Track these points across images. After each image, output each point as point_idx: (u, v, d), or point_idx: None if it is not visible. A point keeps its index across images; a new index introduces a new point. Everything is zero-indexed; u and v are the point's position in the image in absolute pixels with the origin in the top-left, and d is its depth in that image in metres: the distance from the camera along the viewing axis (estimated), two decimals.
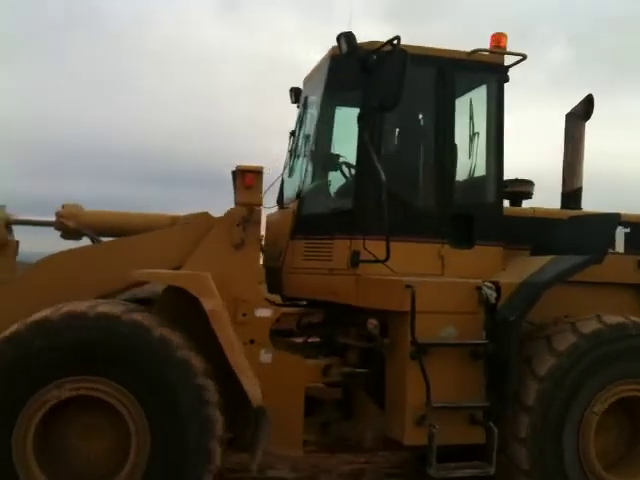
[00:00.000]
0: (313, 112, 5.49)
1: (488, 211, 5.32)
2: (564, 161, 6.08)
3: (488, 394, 4.70)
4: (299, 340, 5.75)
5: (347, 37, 4.85)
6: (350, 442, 5.39)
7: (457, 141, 5.40)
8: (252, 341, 4.86)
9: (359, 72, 4.97)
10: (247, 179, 4.42)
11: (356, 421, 5.41)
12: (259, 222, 4.98)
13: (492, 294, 4.76)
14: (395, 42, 4.69)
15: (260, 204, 4.64)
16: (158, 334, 4.03)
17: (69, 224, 5.14)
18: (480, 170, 5.48)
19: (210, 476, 4.06)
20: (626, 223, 5.67)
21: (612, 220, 5.16)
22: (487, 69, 5.36)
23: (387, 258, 4.72)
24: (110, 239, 5.17)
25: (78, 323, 3.99)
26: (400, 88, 4.61)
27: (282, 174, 5.68)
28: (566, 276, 4.86)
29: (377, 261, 4.78)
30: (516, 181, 6.16)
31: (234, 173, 4.53)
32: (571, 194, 6.03)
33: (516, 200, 6.15)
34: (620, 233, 5.69)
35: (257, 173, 4.44)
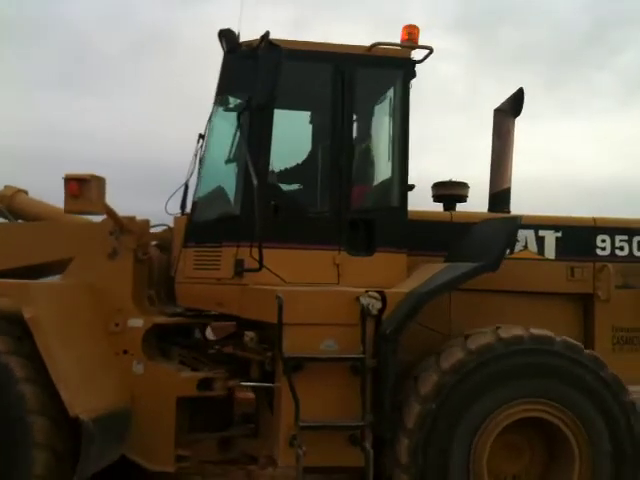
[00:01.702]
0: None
1: (390, 216, 4.96)
2: (492, 160, 5.64)
3: (366, 413, 4.35)
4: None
5: (225, 35, 4.66)
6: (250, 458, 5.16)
7: (363, 143, 5.10)
8: (125, 351, 4.74)
9: (248, 71, 4.75)
10: (70, 187, 4.29)
11: (259, 437, 5.18)
12: (134, 232, 4.84)
13: (374, 304, 4.41)
14: (267, 38, 4.47)
15: (90, 212, 4.50)
16: None
17: None
18: (384, 174, 5.13)
19: None
20: (557, 227, 5.21)
21: (512, 224, 4.71)
22: (391, 64, 5.02)
23: (260, 267, 4.50)
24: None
25: None
26: (272, 86, 4.38)
27: (187, 179, 5.50)
28: (452, 286, 4.48)
29: (253, 270, 4.55)
30: (449, 183, 5.78)
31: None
32: (499, 195, 5.58)
33: (449, 203, 5.75)
34: (551, 237, 5.24)
35: (81, 181, 4.30)
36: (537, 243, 5.19)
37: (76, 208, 4.36)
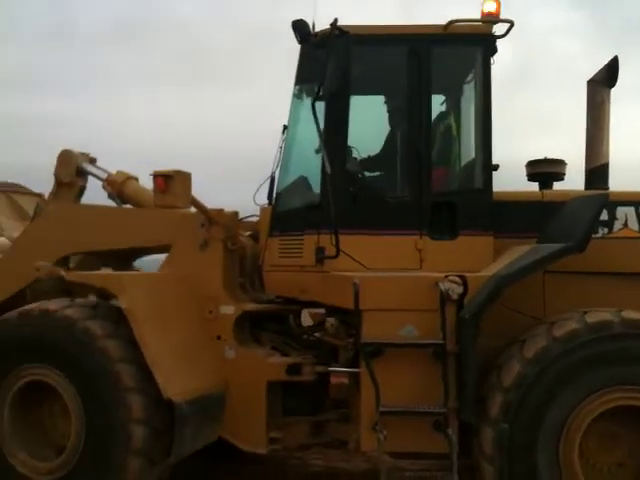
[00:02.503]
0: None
1: (474, 198, 4.82)
2: (586, 135, 5.28)
3: (449, 399, 4.27)
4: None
5: (297, 25, 4.72)
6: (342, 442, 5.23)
7: (443, 124, 5.00)
8: (218, 337, 4.96)
9: (321, 60, 4.78)
10: (157, 183, 4.52)
11: (350, 421, 5.23)
12: (222, 223, 5.04)
13: (455, 289, 4.32)
14: (336, 25, 4.48)
15: (175, 206, 4.67)
16: (82, 326, 4.42)
17: (107, 188, 5.97)
18: (467, 155, 4.98)
19: (133, 457, 4.30)
20: None
21: (597, 202, 4.41)
22: (470, 41, 4.86)
23: (337, 254, 4.54)
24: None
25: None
26: (342, 73, 4.40)
27: (273, 170, 5.62)
28: (534, 269, 4.27)
29: (331, 257, 4.61)
30: (544, 161, 5.50)
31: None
32: (595, 171, 5.21)
33: (546, 182, 5.48)
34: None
35: (167, 177, 4.51)
36: (639, 221, 4.82)
37: (164, 202, 4.61)
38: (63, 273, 4.78)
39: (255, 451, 4.91)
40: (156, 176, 4.56)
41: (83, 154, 6.03)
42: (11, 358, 4.56)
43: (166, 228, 5.24)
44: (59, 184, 5.97)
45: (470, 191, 4.89)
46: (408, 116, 4.87)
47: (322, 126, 4.70)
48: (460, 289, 4.33)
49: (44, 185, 6.28)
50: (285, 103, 5.18)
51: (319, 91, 4.52)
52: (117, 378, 4.34)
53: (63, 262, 5.52)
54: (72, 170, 5.90)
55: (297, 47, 4.98)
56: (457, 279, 4.35)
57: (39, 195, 7.32)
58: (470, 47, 4.88)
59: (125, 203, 6.01)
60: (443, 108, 5.24)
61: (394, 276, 4.50)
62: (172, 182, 4.52)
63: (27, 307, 4.61)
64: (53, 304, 4.57)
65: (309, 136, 5.12)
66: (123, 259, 5.99)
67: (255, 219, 5.68)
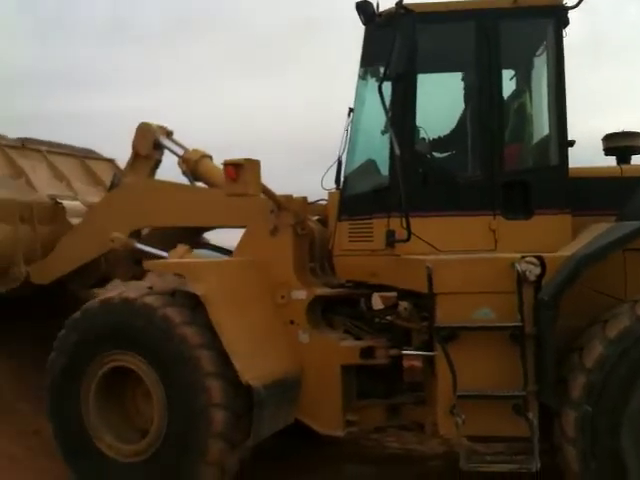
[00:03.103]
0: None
1: (549, 175, 4.67)
2: None
3: (529, 383, 4.19)
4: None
5: (361, 6, 4.66)
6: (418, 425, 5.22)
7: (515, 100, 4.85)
8: (292, 322, 5.01)
9: (386, 41, 4.71)
10: (228, 172, 4.53)
11: (426, 405, 5.21)
12: (292, 209, 5.06)
13: (532, 270, 4.20)
14: (401, 4, 4.40)
15: (246, 194, 4.67)
16: (161, 313, 4.51)
17: (182, 166, 6.06)
18: (541, 131, 4.82)
19: (215, 440, 4.39)
20: None
21: None
22: (540, 14, 4.69)
23: (408, 237, 4.49)
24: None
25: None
26: (409, 52, 4.33)
27: (340, 154, 5.58)
28: (615, 248, 4.11)
29: (402, 240, 4.56)
30: (621, 134, 5.28)
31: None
32: None
33: (623, 156, 5.26)
34: None
35: (238, 166, 4.53)
36: None
37: (235, 191, 4.65)
38: (137, 245, 5.11)
39: (332, 434, 4.96)
40: (226, 165, 4.59)
41: (161, 127, 6.16)
42: (94, 346, 4.72)
43: (242, 211, 5.28)
44: (136, 155, 6.12)
45: (545, 168, 4.75)
46: (478, 93, 4.76)
47: (389, 107, 4.62)
48: (538, 270, 4.21)
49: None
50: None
51: (385, 72, 4.44)
52: (197, 364, 4.43)
53: (136, 233, 5.73)
54: (149, 142, 6.05)
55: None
56: (534, 260, 4.23)
57: (111, 160, 7.55)
58: (540, 19, 4.71)
59: (198, 181, 6.08)
60: (513, 83, 5.08)
61: (468, 258, 4.42)
62: (242, 170, 4.55)
63: (107, 296, 4.78)
64: (133, 292, 4.71)
65: (375, 118, 5.08)
66: (192, 233, 6.12)
67: (324, 203, 5.68)
